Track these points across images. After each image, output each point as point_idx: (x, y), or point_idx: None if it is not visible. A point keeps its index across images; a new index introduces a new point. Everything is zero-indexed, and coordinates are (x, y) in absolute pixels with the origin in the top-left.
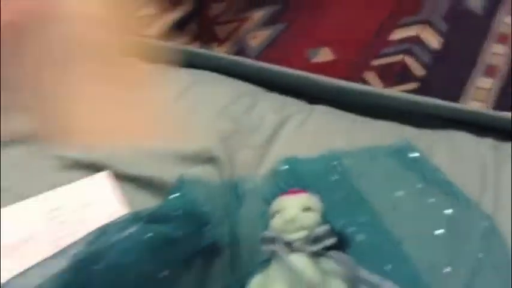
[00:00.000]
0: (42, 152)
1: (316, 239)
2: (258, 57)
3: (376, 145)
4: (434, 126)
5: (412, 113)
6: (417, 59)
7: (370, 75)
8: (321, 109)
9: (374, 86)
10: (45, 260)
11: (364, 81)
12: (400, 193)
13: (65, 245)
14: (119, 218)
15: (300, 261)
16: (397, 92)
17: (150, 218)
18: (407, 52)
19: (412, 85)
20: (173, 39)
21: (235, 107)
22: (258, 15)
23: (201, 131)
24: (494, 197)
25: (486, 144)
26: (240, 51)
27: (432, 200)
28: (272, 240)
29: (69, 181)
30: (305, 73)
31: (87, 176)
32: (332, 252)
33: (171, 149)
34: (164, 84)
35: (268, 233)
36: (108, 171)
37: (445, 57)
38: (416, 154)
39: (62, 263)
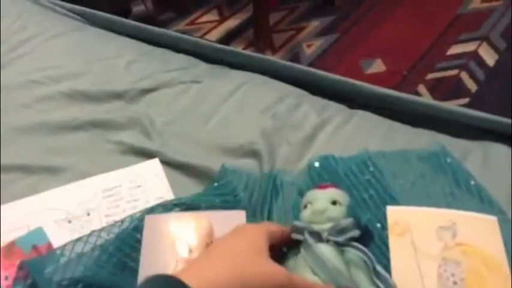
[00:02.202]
0: (103, 137)
1: (341, 231)
2: (311, 65)
3: (410, 149)
4: (470, 136)
5: (449, 122)
6: (472, 74)
7: (422, 88)
8: (360, 114)
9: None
10: (98, 230)
11: (417, 94)
12: (429, 195)
13: (116, 220)
14: (164, 202)
15: (326, 249)
16: (434, 101)
17: (193, 203)
18: (464, 67)
19: (463, 100)
20: (230, 44)
21: (280, 107)
22: (314, 24)
23: (246, 126)
24: None
25: None
26: (294, 59)
27: (464, 205)
28: (302, 229)
29: (125, 165)
30: (347, 79)
31: (140, 161)
32: (355, 244)
33: (217, 141)
34: (218, 83)
35: (298, 223)
36: (158, 158)
37: (498, 75)
38: (450, 159)
39: (111, 235)
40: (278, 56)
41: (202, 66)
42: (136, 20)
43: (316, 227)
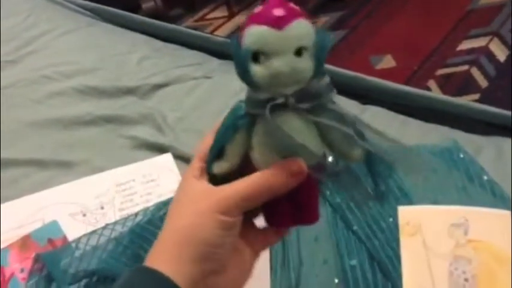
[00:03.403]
0: (116, 132)
1: (312, 96)
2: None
3: (423, 143)
4: (483, 132)
5: (461, 117)
6: (482, 70)
7: (432, 84)
8: (372, 109)
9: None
10: (112, 223)
11: (427, 90)
12: (442, 189)
13: (130, 213)
14: None
15: (292, 121)
16: (446, 96)
17: None
18: (474, 63)
19: (474, 96)
20: None
21: None
22: (323, 20)
23: None
24: None
25: None
26: None
27: (477, 200)
28: (262, 103)
29: (138, 159)
30: (358, 74)
31: (153, 155)
32: (331, 106)
33: None
34: (229, 79)
35: (254, 94)
36: (171, 152)
37: (509, 70)
38: (463, 154)
39: (125, 228)
40: None
41: (214, 62)
42: (145, 16)
43: (276, 93)
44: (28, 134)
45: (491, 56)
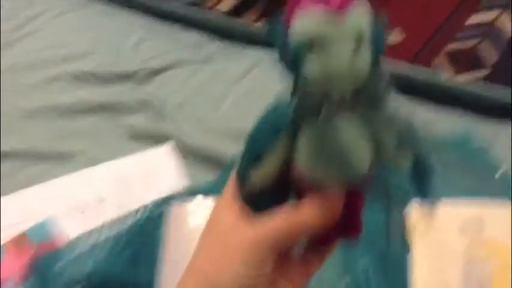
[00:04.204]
0: (114, 121)
1: (370, 97)
2: None
3: (436, 134)
4: (498, 114)
5: (475, 100)
6: (492, 45)
7: (441, 59)
8: None
9: (444, 70)
10: (111, 221)
11: (435, 65)
12: (456, 184)
13: (130, 210)
14: (177, 191)
15: (345, 129)
16: (459, 79)
17: (206, 192)
18: (484, 37)
19: (483, 72)
20: (241, 15)
21: None
22: None
23: (259, 110)
24: None
25: None
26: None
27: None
28: (318, 104)
29: (137, 149)
30: None
31: (153, 145)
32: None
33: (230, 125)
34: (231, 63)
35: (304, 95)
36: (172, 142)
37: None
38: (477, 145)
39: (124, 226)
40: None
41: (214, 44)
42: None
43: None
44: (22, 123)
45: (500, 31)
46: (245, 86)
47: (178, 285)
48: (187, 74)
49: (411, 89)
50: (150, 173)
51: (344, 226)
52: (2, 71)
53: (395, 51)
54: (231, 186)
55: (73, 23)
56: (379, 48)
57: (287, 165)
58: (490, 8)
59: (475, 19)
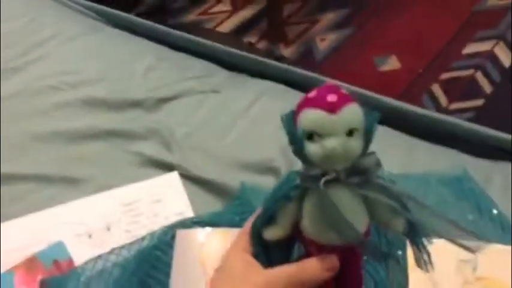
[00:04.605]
0: (122, 148)
1: (361, 171)
2: (324, 61)
3: (431, 171)
4: (493, 156)
5: (470, 141)
6: (487, 75)
7: (436, 88)
8: (379, 129)
9: (439, 99)
10: (118, 247)
11: (431, 93)
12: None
13: (137, 237)
14: (184, 219)
15: (341, 194)
16: (457, 119)
17: (212, 221)
18: (479, 67)
19: (478, 102)
20: (243, 36)
21: None
22: (329, 18)
23: (265, 141)
24: None
25: None
26: (307, 53)
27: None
28: (315, 178)
29: (144, 176)
30: (365, 91)
31: (160, 173)
32: (382, 183)
33: (236, 156)
34: (238, 93)
35: (309, 171)
36: (178, 171)
37: None
38: (473, 185)
39: (132, 253)
40: (291, 50)
41: (222, 74)
42: (148, 8)
43: (328, 169)
44: (31, 148)
45: (496, 61)
46: (251, 116)
47: None
48: (194, 103)
49: (406, 125)
50: (157, 201)
51: (344, 281)
52: (12, 95)
53: (392, 79)
54: (242, 239)
55: (82, 48)
56: (369, 135)
57: (297, 225)
58: (486, 38)
59: (471, 49)
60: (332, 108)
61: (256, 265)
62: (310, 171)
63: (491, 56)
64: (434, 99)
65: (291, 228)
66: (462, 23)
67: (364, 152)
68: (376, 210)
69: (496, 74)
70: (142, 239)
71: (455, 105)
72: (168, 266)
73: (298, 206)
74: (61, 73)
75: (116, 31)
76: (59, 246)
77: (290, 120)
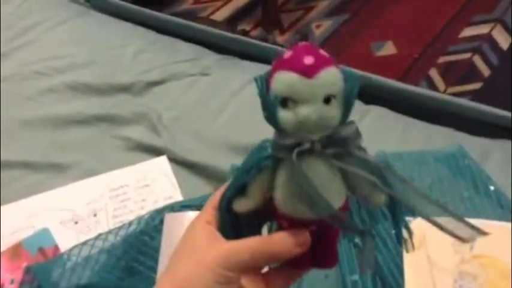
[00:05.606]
0: (109, 133)
1: (340, 141)
2: (320, 47)
3: (428, 149)
4: (489, 134)
5: (467, 119)
6: (485, 58)
7: (434, 73)
8: (375, 110)
9: (437, 83)
10: (105, 233)
11: (428, 78)
12: (446, 200)
13: (124, 222)
14: (172, 203)
15: (317, 166)
16: (453, 97)
17: (202, 205)
18: (477, 51)
19: (476, 85)
20: (237, 25)
21: None
22: (324, 4)
23: (256, 123)
24: None
25: None
26: (303, 40)
27: (483, 211)
28: (288, 148)
29: (132, 161)
30: (362, 72)
31: (148, 157)
32: (360, 155)
33: (226, 139)
34: (228, 76)
35: (281, 139)
36: (166, 155)
37: None
38: (469, 161)
39: (118, 238)
40: (286, 37)
41: (212, 57)
42: None
43: (302, 139)
44: (19, 134)
45: (494, 44)
46: (242, 99)
47: None
48: (183, 87)
49: (403, 105)
50: (145, 185)
51: (319, 257)
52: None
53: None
54: (207, 212)
55: (71, 33)
56: (349, 103)
57: (269, 198)
58: (483, 21)
59: (468, 32)
60: (308, 72)
61: (220, 238)
62: (283, 140)
63: (489, 39)
64: (432, 83)
65: (263, 200)
66: (459, 7)
67: (343, 121)
68: (355, 183)
69: (494, 57)
70: (130, 224)
71: (453, 89)
72: (155, 250)
73: (271, 177)
74: (48, 58)
75: (104, 16)
76: (45, 233)
77: (263, 84)
